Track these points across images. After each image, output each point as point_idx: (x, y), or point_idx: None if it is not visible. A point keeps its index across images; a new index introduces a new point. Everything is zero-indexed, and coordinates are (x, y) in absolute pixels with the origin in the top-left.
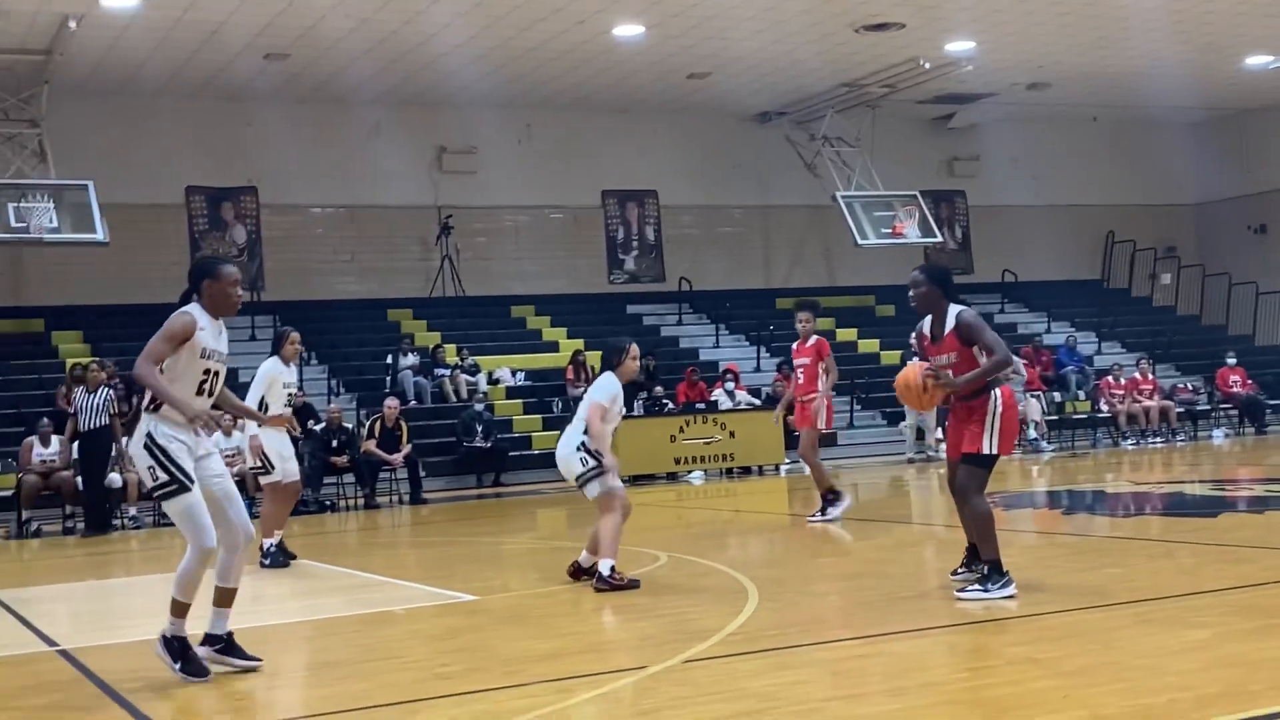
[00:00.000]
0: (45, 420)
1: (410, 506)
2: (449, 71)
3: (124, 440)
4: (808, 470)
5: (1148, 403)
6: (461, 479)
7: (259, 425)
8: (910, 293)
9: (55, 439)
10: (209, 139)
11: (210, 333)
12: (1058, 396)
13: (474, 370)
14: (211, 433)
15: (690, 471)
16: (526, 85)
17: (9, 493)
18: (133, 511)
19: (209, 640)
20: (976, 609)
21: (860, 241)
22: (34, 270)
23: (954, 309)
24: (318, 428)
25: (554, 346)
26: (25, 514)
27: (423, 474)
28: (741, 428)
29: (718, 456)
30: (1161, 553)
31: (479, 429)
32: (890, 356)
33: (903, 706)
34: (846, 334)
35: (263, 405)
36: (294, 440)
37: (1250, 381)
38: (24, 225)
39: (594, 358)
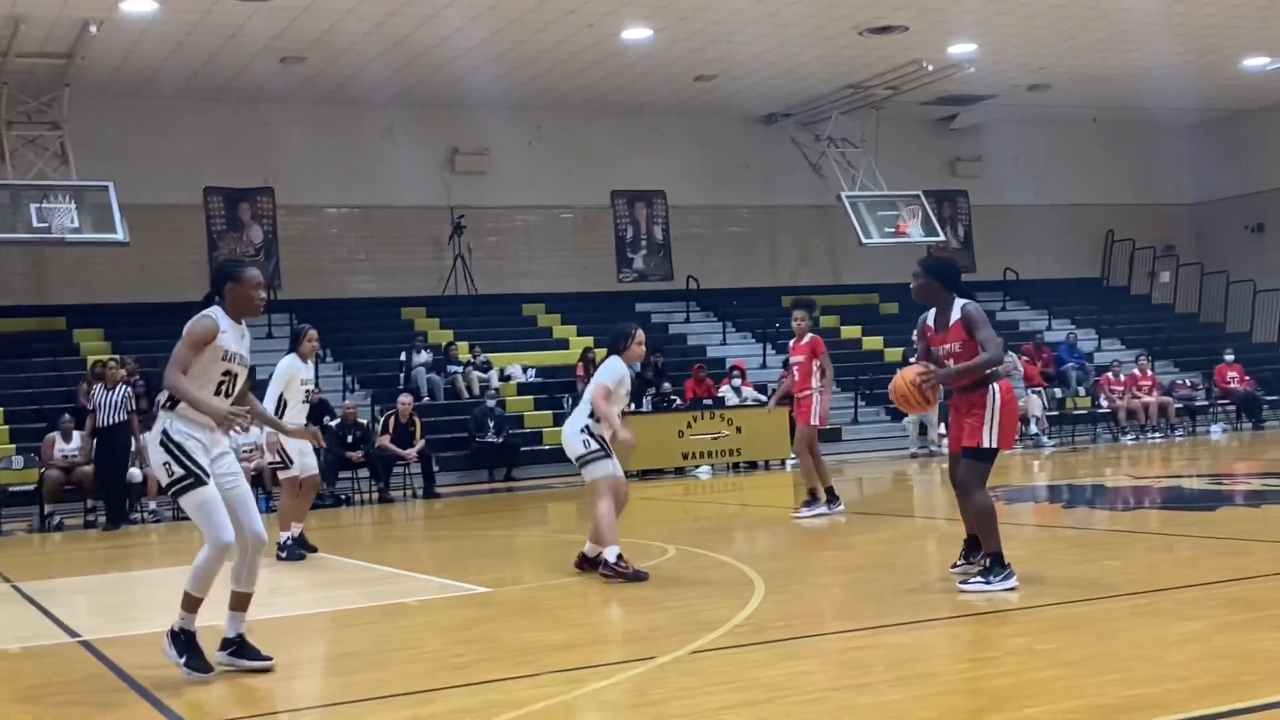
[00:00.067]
0: (67, 416)
1: (424, 501)
2: (461, 74)
3: (143, 436)
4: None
5: (1147, 398)
6: (474, 474)
7: (286, 436)
8: (911, 285)
9: (76, 434)
10: (226, 141)
11: (232, 335)
12: (1058, 392)
13: (486, 367)
14: (243, 431)
15: (698, 466)
16: (537, 88)
17: (32, 487)
18: (153, 505)
19: (223, 645)
20: (978, 601)
21: (864, 241)
22: (56, 269)
23: (959, 301)
24: (333, 423)
25: (564, 344)
26: (48, 508)
27: (436, 469)
28: (748, 423)
29: (724, 451)
30: (1160, 546)
31: (491, 424)
32: (894, 354)
33: (906, 696)
34: (851, 331)
35: (281, 401)
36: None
37: (1247, 377)
38: (46, 225)
39: (603, 354)
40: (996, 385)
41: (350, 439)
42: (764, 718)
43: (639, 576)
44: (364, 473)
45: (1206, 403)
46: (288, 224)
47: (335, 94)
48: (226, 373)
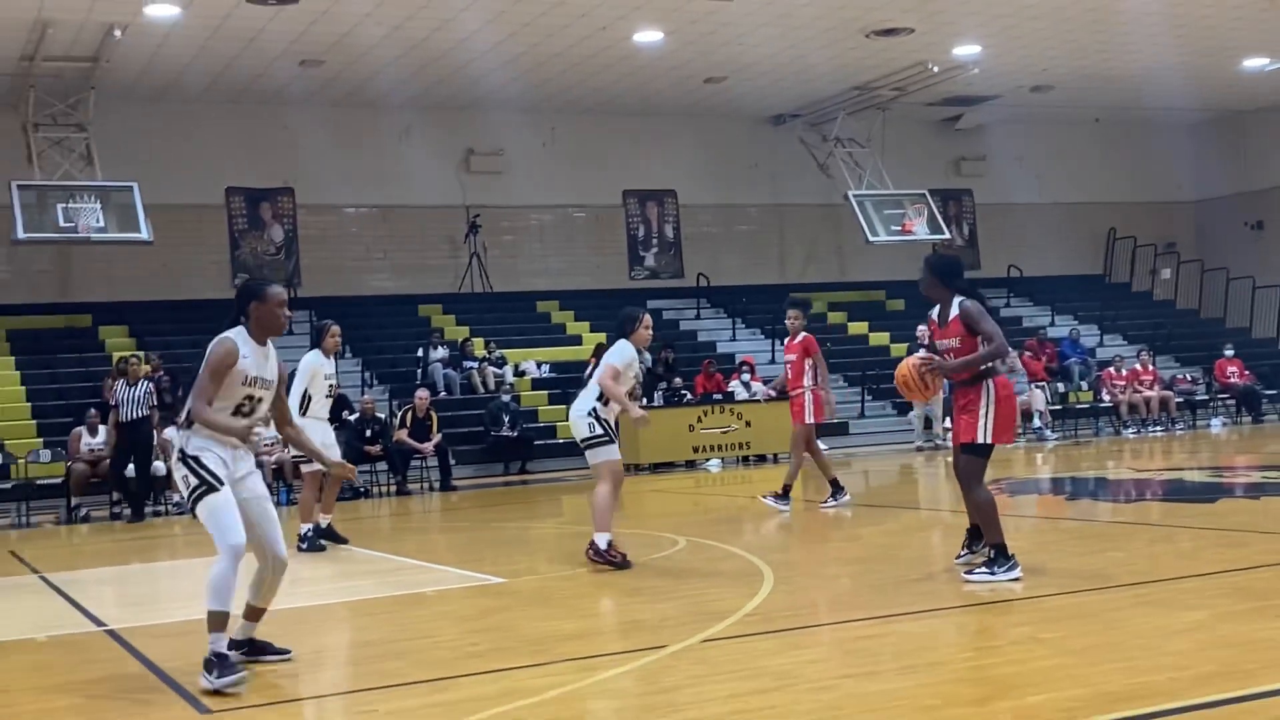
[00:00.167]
0: (92, 411)
1: (440, 493)
2: (477, 77)
3: (166, 431)
4: (810, 459)
5: (1148, 393)
6: (489, 467)
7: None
8: (918, 281)
9: (102, 429)
10: (248, 142)
11: (254, 360)
12: (1061, 387)
13: (501, 363)
14: (260, 438)
15: (708, 460)
16: (551, 90)
17: (59, 480)
18: (176, 498)
19: (232, 646)
20: (983, 591)
21: (871, 239)
22: (82, 268)
23: (958, 299)
24: (352, 418)
25: (577, 340)
26: (74, 500)
27: (452, 462)
28: (757, 417)
29: (734, 445)
30: (1161, 537)
31: (506, 419)
32: (899, 349)
33: (912, 684)
34: (858, 327)
35: (306, 397)
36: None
37: (1247, 372)
38: (72, 225)
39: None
40: (992, 381)
41: (369, 433)
42: (773, 705)
43: (624, 565)
44: (382, 466)
45: (1207, 397)
46: (308, 223)
47: (353, 96)
48: (249, 397)
